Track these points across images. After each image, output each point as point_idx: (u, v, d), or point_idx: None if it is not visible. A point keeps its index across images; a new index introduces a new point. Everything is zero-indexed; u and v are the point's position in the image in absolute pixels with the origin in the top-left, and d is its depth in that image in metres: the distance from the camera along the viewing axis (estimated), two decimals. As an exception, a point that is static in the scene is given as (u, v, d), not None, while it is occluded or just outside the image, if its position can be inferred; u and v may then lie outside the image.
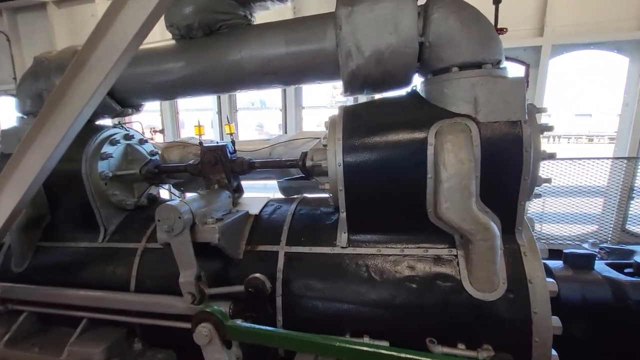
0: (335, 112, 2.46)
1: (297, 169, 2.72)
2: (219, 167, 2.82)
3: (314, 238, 2.49)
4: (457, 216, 2.03)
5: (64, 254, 3.02)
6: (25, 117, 3.16)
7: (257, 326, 1.89)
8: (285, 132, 5.35)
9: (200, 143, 2.98)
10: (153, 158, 3.16)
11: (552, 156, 2.17)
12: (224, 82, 2.66)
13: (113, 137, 3.02)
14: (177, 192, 3.75)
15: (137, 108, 3.23)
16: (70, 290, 2.75)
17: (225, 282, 2.49)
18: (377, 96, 2.68)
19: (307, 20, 2.40)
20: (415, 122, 2.18)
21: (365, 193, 2.28)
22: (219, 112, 5.05)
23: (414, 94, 2.42)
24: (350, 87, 2.42)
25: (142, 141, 3.29)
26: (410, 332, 2.13)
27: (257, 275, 2.24)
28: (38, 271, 3.03)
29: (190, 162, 2.97)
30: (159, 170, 3.06)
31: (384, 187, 2.24)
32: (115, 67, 2.07)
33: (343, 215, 2.36)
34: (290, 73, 2.52)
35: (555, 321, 1.97)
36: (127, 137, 3.14)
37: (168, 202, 2.23)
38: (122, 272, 2.75)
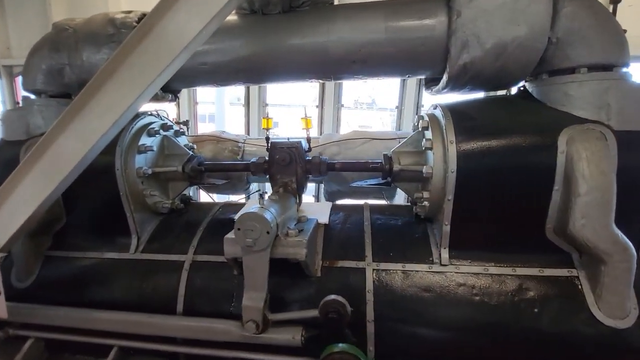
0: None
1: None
2: (292, 167, 2.39)
3: (405, 253, 2.17)
4: (594, 234, 1.80)
5: (82, 266, 2.48)
6: (34, 96, 2.57)
7: None
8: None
9: (267, 139, 2.54)
10: (193, 154, 2.68)
11: None
12: (301, 68, 2.28)
13: (151, 126, 2.52)
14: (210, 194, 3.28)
15: (176, 94, 2.75)
16: (96, 312, 2.23)
17: (295, 304, 2.12)
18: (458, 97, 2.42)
19: (413, 3, 2.08)
20: (539, 126, 1.94)
21: (478, 204, 2.00)
22: (246, 104, 4.54)
23: (524, 94, 2.18)
24: (454, 83, 2.13)
25: (178, 133, 2.80)
26: None
27: (335, 297, 1.88)
28: (47, 287, 2.47)
29: (253, 160, 2.51)
30: (206, 169, 2.60)
31: (501, 198, 1.97)
32: (197, 38, 1.65)
33: (446, 228, 2.06)
34: (382, 63, 2.19)
35: None
36: (165, 127, 2.65)
37: (252, 209, 1.82)
38: (166, 290, 2.27)
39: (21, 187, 1.98)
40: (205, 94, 5.84)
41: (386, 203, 3.11)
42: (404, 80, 4.36)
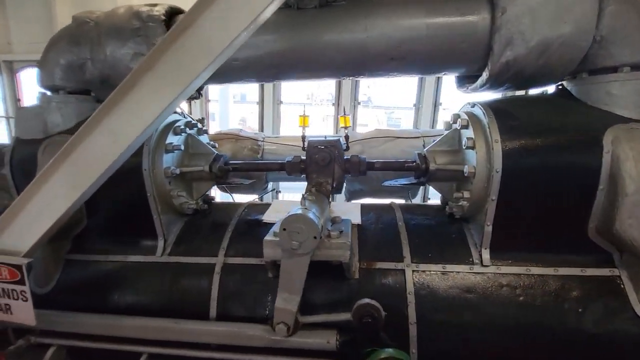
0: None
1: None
2: (331, 167, 2.32)
3: (444, 254, 2.14)
4: (640, 234, 1.80)
5: (105, 270, 2.38)
6: (51, 93, 2.45)
7: None
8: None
9: (303, 137, 2.46)
10: (218, 153, 2.60)
11: None
12: (336, 64, 2.22)
13: (177, 124, 2.43)
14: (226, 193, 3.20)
15: (199, 91, 2.66)
16: (124, 319, 2.14)
17: (332, 306, 2.07)
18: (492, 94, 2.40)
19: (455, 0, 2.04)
20: (583, 126, 1.93)
21: (521, 204, 1.98)
22: (261, 102, 4.43)
23: (563, 92, 2.17)
24: (494, 81, 2.11)
25: (201, 131, 2.71)
26: None
27: (368, 300, 1.85)
28: (68, 292, 2.37)
29: (288, 159, 2.43)
30: (234, 168, 2.52)
31: (545, 198, 1.96)
32: (239, 36, 1.58)
33: (488, 229, 2.04)
34: (421, 60, 2.15)
35: None
36: (190, 125, 2.56)
37: (298, 211, 1.76)
38: (197, 294, 2.20)
39: (47, 189, 1.89)
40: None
41: (412, 203, 3.09)
42: (422, 78, 4.34)
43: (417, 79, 4.40)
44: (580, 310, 1.91)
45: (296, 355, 1.93)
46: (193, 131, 2.61)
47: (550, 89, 2.28)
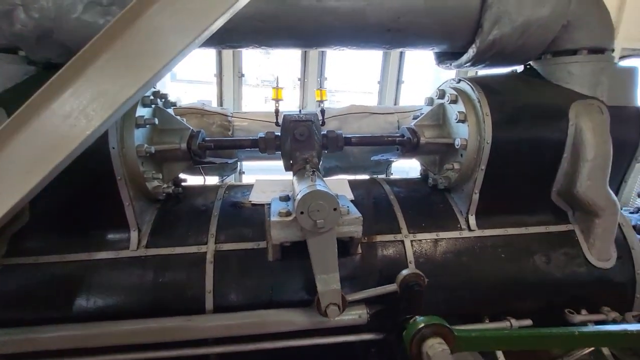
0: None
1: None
2: (312, 142, 2.23)
3: (435, 223, 2.28)
4: (595, 193, 2.15)
5: (63, 272, 1.96)
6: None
7: (487, 332, 1.63)
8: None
9: (277, 112, 2.29)
10: (193, 129, 2.29)
11: None
12: (333, 32, 2.10)
13: (145, 94, 2.05)
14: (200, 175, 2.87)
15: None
16: (105, 325, 1.81)
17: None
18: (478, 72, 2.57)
19: (450, -26, 2.06)
20: (554, 101, 2.18)
21: (504, 173, 2.19)
22: (219, 75, 3.92)
23: (531, 72, 2.40)
24: (478, 58, 2.23)
25: (169, 103, 2.34)
26: (547, 307, 2.20)
27: (410, 270, 1.92)
28: (11, 304, 1.90)
29: (261, 135, 2.27)
30: (215, 146, 2.25)
31: (523, 166, 2.19)
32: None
33: (475, 196, 2.22)
34: (416, 33, 2.15)
35: None
36: (159, 95, 2.18)
37: (318, 187, 1.66)
38: (188, 288, 1.96)
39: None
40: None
41: (390, 177, 3.19)
42: (387, 54, 4.40)
43: (382, 55, 4.47)
44: (546, 260, 2.24)
45: (330, 334, 1.90)
46: (160, 103, 2.24)
47: (519, 68, 2.51)
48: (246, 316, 1.86)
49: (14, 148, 1.43)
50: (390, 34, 2.12)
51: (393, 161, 3.10)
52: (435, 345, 1.46)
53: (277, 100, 2.38)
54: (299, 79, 4.29)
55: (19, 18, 1.78)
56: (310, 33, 2.10)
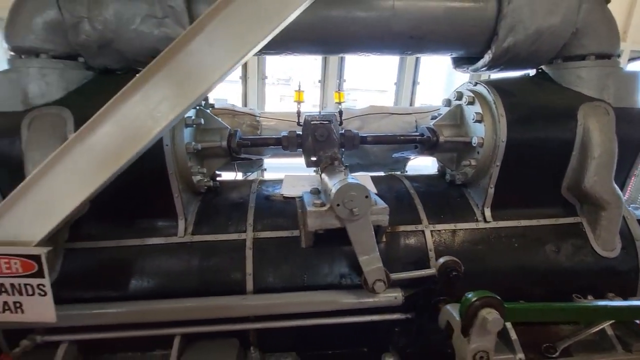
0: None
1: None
2: (330, 141, 2.45)
3: (453, 214, 2.47)
4: (601, 188, 2.33)
5: (118, 256, 2.19)
6: (25, 56, 2.06)
7: (533, 304, 1.96)
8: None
9: (298, 112, 2.50)
10: (231, 128, 2.50)
11: None
12: (359, 40, 2.30)
13: (191, 97, 2.26)
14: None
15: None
16: (159, 303, 2.04)
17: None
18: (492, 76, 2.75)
19: (469, -15, 2.25)
20: (563, 103, 2.36)
21: (518, 169, 2.38)
22: (244, 77, 4.14)
23: (543, 75, 2.58)
24: (493, 63, 2.42)
25: (208, 105, 2.57)
26: (556, 293, 2.38)
27: (448, 257, 2.12)
28: (74, 284, 2.13)
29: (284, 134, 2.48)
30: (252, 143, 2.46)
31: (535, 163, 2.38)
32: None
33: (491, 190, 2.41)
34: (436, 40, 2.35)
35: None
36: (201, 98, 2.40)
37: (350, 180, 1.87)
38: (231, 271, 2.18)
39: (68, 169, 1.67)
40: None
41: (406, 174, 3.38)
42: (403, 58, 4.60)
43: (399, 59, 4.67)
44: (555, 249, 2.42)
45: (365, 313, 2.12)
46: (202, 104, 2.46)
47: (531, 72, 2.69)
48: (293, 296, 2.08)
49: (96, 141, 1.65)
50: (412, 41, 2.32)
51: (410, 159, 3.29)
52: (492, 312, 1.67)
53: (298, 102, 2.58)
54: (319, 81, 4.50)
55: (85, 29, 2.00)
56: (339, 41, 2.30)
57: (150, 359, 2.20)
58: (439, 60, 5.51)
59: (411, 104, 4.76)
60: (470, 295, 1.79)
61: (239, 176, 3.48)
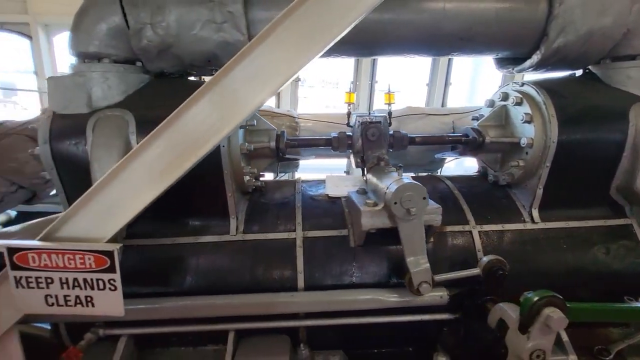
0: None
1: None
2: (380, 142, 2.49)
3: (500, 215, 2.47)
4: (654, 189, 2.30)
5: (173, 253, 2.26)
6: (88, 61, 2.15)
7: (595, 304, 1.94)
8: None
9: (348, 114, 2.55)
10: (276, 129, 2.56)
11: None
12: (410, 42, 2.32)
13: (243, 98, 2.32)
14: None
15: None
16: (213, 298, 2.09)
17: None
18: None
19: (519, -13, 2.26)
20: (615, 103, 2.34)
21: (568, 170, 2.36)
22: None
23: (591, 75, 2.57)
24: (542, 63, 2.41)
25: (254, 106, 2.62)
26: (605, 294, 2.35)
27: (493, 256, 2.12)
28: (131, 279, 2.19)
29: (334, 134, 2.53)
30: (299, 144, 2.51)
31: (586, 164, 2.36)
32: None
33: (539, 191, 2.40)
34: (485, 41, 2.35)
35: None
36: (250, 100, 2.46)
37: (407, 180, 1.90)
38: (282, 269, 2.22)
39: (141, 167, 1.73)
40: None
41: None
42: (436, 59, 4.61)
43: (431, 60, 4.69)
44: (605, 250, 2.39)
45: (411, 313, 2.14)
46: (249, 106, 2.51)
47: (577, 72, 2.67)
48: (340, 294, 2.11)
49: (163, 147, 1.71)
50: (462, 42, 2.33)
51: (447, 160, 3.29)
52: (556, 311, 1.67)
53: (349, 103, 2.64)
54: (352, 82, 4.54)
55: (147, 34, 2.08)
56: (386, 43, 2.33)
57: (202, 354, 2.26)
58: (463, 61, 5.51)
59: (443, 104, 4.77)
60: (530, 295, 1.79)
61: (269, 177, 3.55)
